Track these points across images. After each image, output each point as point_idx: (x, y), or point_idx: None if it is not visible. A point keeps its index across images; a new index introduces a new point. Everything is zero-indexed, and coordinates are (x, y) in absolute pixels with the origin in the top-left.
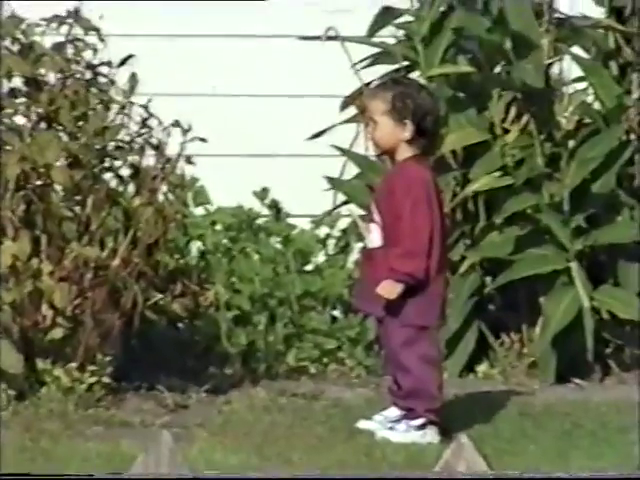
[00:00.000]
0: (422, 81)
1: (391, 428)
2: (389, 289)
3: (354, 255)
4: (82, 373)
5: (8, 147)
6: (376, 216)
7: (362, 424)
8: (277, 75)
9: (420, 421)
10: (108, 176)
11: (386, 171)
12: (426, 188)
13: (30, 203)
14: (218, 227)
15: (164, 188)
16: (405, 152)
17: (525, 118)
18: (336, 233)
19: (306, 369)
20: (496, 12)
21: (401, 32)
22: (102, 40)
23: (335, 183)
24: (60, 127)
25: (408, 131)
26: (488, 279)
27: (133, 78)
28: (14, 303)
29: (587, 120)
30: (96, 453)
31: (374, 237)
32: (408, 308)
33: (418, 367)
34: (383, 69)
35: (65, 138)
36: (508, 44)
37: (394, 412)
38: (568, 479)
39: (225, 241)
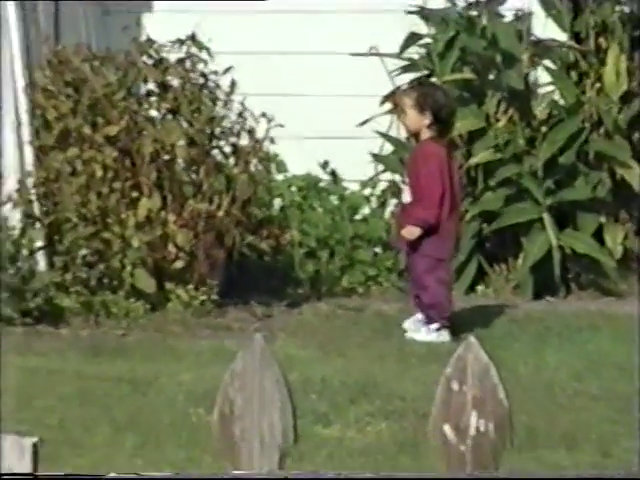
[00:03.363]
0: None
1: (417, 329)
2: (410, 231)
3: (390, 208)
4: (197, 292)
5: (144, 132)
6: (407, 179)
7: (404, 324)
8: (336, 80)
9: (436, 325)
10: (215, 152)
11: (412, 148)
12: (438, 160)
13: (160, 171)
14: (293, 189)
15: (255, 161)
16: (425, 134)
17: (511, 111)
18: (377, 193)
19: (355, 290)
20: (490, 36)
21: (423, 50)
22: (211, 56)
23: (376, 157)
24: (181, 117)
25: (427, 119)
26: (485, 225)
27: (233, 83)
28: (149, 243)
29: (555, 112)
30: (207, 349)
31: (405, 195)
32: (426, 245)
33: (434, 287)
34: (410, 76)
35: (185, 125)
36: (498, 58)
37: (419, 316)
38: (569, 479)
39: (298, 198)
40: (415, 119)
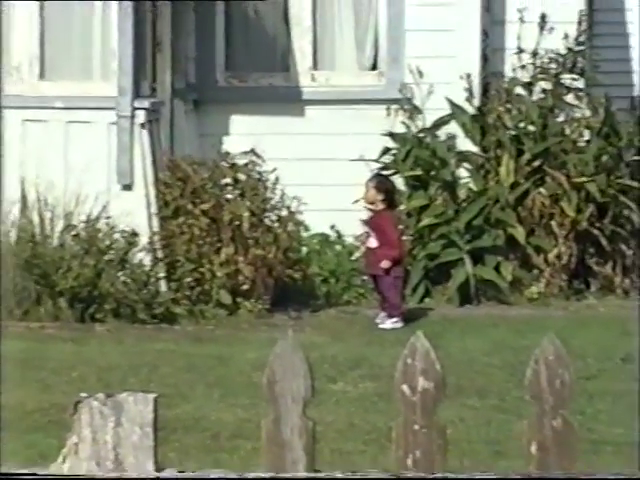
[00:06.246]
0: (400, 179)
1: (383, 322)
2: (385, 264)
3: None
4: (256, 303)
5: (224, 208)
6: (372, 232)
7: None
8: (339, 175)
9: (395, 319)
10: (266, 220)
11: (374, 214)
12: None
13: (234, 232)
14: (314, 241)
15: (290, 224)
16: (379, 206)
17: (445, 194)
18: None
19: (352, 302)
20: (431, 149)
21: (392, 157)
22: (264, 161)
23: (364, 222)
24: (246, 198)
25: (381, 196)
26: (429, 262)
27: (277, 178)
28: (227, 274)
29: (470, 195)
30: (263, 338)
31: (371, 241)
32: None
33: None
34: (384, 173)
35: (248, 203)
36: (437, 162)
37: (383, 314)
38: (567, 479)
39: (317, 247)
40: (373, 196)
